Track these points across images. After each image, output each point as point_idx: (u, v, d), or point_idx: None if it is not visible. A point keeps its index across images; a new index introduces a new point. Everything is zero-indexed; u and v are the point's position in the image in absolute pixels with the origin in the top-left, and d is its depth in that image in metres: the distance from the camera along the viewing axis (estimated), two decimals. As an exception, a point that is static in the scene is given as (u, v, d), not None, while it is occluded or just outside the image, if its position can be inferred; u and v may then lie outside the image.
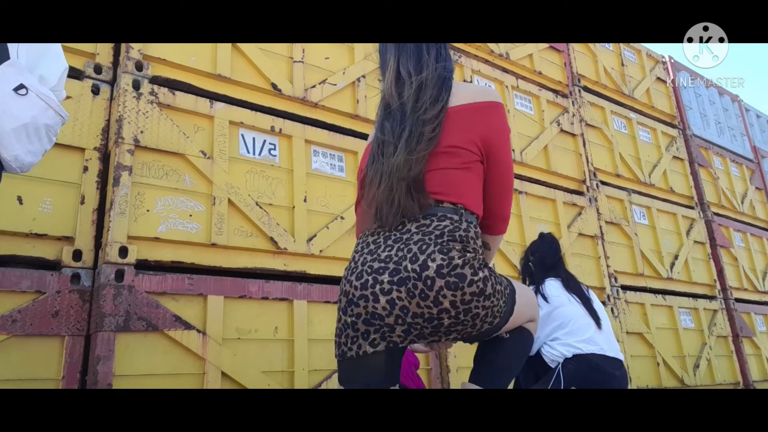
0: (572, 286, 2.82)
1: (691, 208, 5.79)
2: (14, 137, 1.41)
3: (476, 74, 4.23)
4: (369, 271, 1.42)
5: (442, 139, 1.46)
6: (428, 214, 1.44)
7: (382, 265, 1.41)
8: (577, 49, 5.26)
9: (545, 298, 2.75)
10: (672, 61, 6.50)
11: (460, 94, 1.53)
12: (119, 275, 2.30)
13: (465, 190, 1.48)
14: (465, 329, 1.44)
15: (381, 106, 1.59)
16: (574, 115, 4.86)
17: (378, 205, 1.47)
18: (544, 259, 2.93)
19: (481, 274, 1.40)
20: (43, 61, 1.55)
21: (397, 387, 1.51)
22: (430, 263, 1.36)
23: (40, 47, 1.55)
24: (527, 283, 2.95)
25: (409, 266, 1.37)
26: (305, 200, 2.95)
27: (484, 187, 1.56)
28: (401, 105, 1.51)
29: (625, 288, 4.60)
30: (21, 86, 1.42)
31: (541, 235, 3.08)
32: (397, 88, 1.54)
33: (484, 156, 1.52)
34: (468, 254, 1.40)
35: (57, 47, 1.62)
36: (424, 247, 1.39)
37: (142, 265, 2.41)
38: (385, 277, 1.39)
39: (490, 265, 1.63)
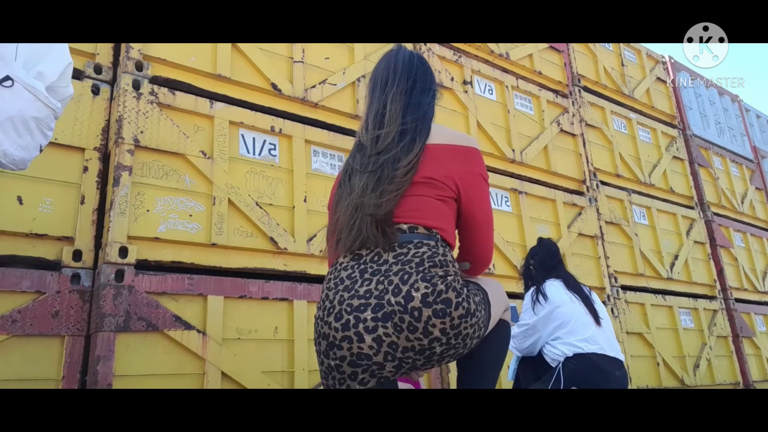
0: (573, 285, 2.83)
1: (691, 208, 5.79)
2: (0, 131, 1.36)
3: (476, 74, 4.23)
4: (348, 309, 1.35)
5: (420, 170, 1.47)
6: (404, 242, 1.41)
7: (363, 301, 1.34)
8: (577, 49, 5.27)
9: (546, 298, 2.76)
10: (672, 61, 6.50)
11: (440, 135, 1.55)
12: (119, 275, 2.30)
13: (440, 217, 1.47)
14: (457, 351, 1.41)
15: (354, 143, 1.62)
16: (574, 115, 4.86)
17: (340, 228, 1.47)
18: (544, 262, 2.96)
19: (463, 294, 1.38)
20: (45, 58, 1.51)
21: None
22: (414, 293, 1.32)
23: (43, 45, 1.52)
24: (529, 285, 2.97)
25: (393, 299, 1.32)
26: (305, 200, 2.95)
27: (467, 232, 1.57)
28: (371, 145, 1.54)
29: (625, 288, 4.60)
30: (6, 78, 1.37)
31: (540, 240, 3.13)
32: (366, 134, 1.57)
33: (461, 197, 1.52)
34: (449, 277, 1.37)
35: (61, 45, 1.58)
36: (406, 277, 1.34)
37: (142, 265, 2.41)
38: (368, 314, 1.32)
39: None
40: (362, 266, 1.41)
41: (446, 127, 1.63)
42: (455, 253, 1.61)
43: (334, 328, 1.36)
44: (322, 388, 1.51)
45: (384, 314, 1.32)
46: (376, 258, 1.40)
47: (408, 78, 1.61)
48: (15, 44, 1.44)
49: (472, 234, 1.59)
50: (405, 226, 1.43)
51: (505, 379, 3.16)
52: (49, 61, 1.53)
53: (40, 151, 1.53)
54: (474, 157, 1.56)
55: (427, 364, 1.40)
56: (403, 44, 1.78)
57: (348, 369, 1.35)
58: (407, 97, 1.58)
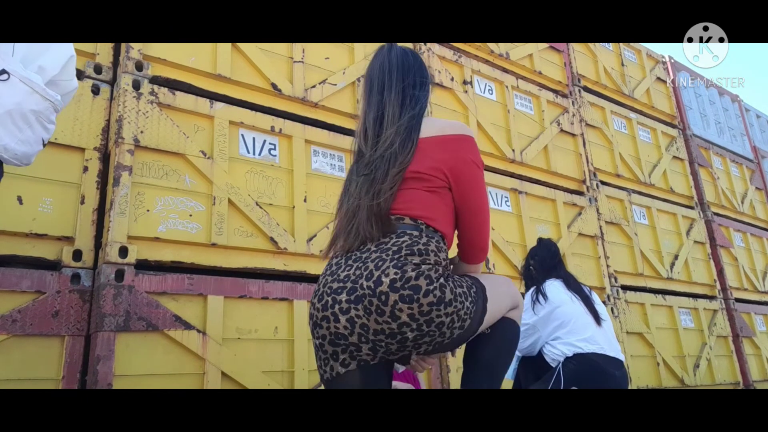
0: (573, 285, 2.83)
1: (691, 208, 5.79)
2: None
3: (476, 74, 4.23)
4: (328, 291, 1.45)
5: (409, 166, 1.50)
6: (388, 232, 1.47)
7: (341, 284, 1.43)
8: (577, 49, 5.26)
9: (546, 298, 2.76)
10: (672, 61, 6.49)
11: (429, 129, 1.57)
12: (119, 275, 2.30)
13: (428, 207, 1.50)
14: (434, 339, 1.43)
15: (354, 151, 1.66)
16: (574, 115, 4.86)
17: (338, 233, 1.54)
18: (544, 262, 2.96)
19: (436, 283, 1.40)
20: (46, 53, 1.50)
21: None
22: (383, 278, 1.38)
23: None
24: (529, 285, 2.97)
25: (365, 283, 1.39)
26: (305, 200, 2.95)
27: (460, 218, 1.58)
28: (371, 151, 1.57)
29: (625, 288, 4.59)
30: (2, 71, 1.36)
31: (540, 240, 3.13)
32: (366, 141, 1.60)
33: (452, 185, 1.53)
34: (424, 266, 1.41)
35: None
36: (380, 263, 1.41)
37: (142, 265, 2.41)
38: (343, 296, 1.41)
39: None
40: (348, 254, 1.50)
41: (437, 118, 1.66)
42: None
43: (316, 308, 1.47)
44: (322, 387, 1.52)
45: (356, 297, 1.40)
46: (361, 247, 1.48)
47: (404, 78, 1.63)
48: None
49: (468, 219, 1.58)
50: (392, 218, 1.48)
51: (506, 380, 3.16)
52: (50, 56, 1.52)
53: (44, 145, 1.51)
54: (464, 144, 1.56)
55: (402, 349, 1.43)
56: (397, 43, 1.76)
57: (329, 348, 1.45)
58: (404, 97, 1.60)
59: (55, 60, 1.52)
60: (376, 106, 1.61)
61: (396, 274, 1.38)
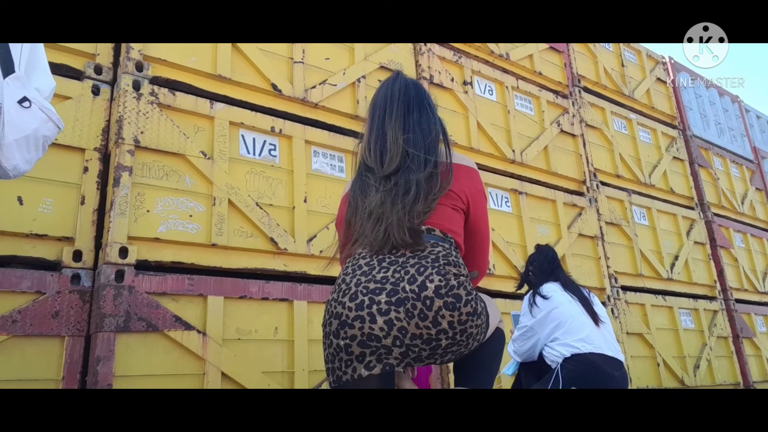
0: (571, 287, 2.83)
1: (692, 208, 5.79)
2: (16, 147, 1.46)
3: (476, 75, 4.23)
4: (364, 291, 1.41)
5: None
6: (419, 241, 1.49)
7: (379, 285, 1.41)
8: (577, 49, 5.27)
9: (543, 299, 2.76)
10: (672, 61, 6.50)
11: (454, 158, 1.67)
12: (119, 276, 2.30)
13: (454, 224, 1.57)
14: (459, 350, 1.46)
15: (359, 165, 1.69)
16: (574, 116, 4.86)
17: (362, 231, 1.53)
18: (542, 267, 2.97)
19: (473, 294, 1.46)
20: (34, 74, 1.57)
21: None
22: (428, 284, 1.39)
23: (31, 60, 1.56)
24: (527, 289, 2.98)
25: (408, 287, 1.39)
26: (305, 201, 2.95)
27: (469, 242, 1.66)
28: (378, 165, 1.61)
29: (625, 288, 4.60)
30: (24, 99, 1.46)
31: (538, 247, 3.15)
32: (370, 155, 1.64)
33: (469, 209, 1.64)
34: (462, 277, 1.45)
35: (44, 62, 1.63)
36: (422, 269, 1.42)
37: (142, 266, 2.41)
38: (383, 298, 1.39)
39: None
40: (380, 256, 1.48)
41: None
42: None
43: (348, 307, 1.41)
44: (323, 387, 1.51)
45: (398, 299, 1.38)
46: (393, 251, 1.48)
47: (405, 105, 1.69)
48: (17, 58, 1.49)
49: (472, 242, 1.68)
50: (423, 228, 1.51)
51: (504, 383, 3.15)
52: (38, 78, 1.59)
53: None
54: (477, 176, 1.71)
55: (431, 356, 1.44)
56: (402, 73, 1.82)
57: (357, 349, 1.39)
58: (404, 122, 1.66)
59: (44, 83, 1.60)
60: (378, 129, 1.67)
61: (440, 281, 1.40)
